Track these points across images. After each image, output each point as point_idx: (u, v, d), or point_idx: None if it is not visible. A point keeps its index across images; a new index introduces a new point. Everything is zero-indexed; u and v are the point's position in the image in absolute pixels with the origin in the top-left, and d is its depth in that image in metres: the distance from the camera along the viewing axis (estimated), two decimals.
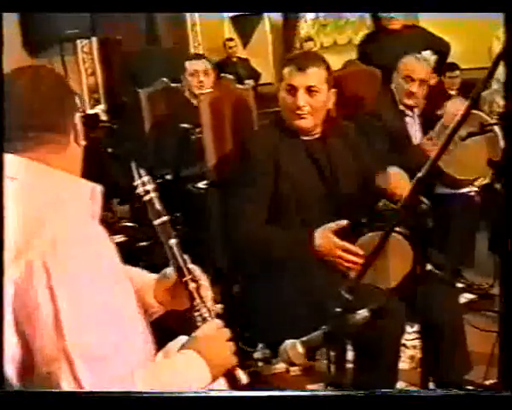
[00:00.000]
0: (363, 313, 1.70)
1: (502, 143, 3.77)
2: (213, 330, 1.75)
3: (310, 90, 2.76)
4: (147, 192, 1.79)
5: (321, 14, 9.66)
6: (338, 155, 2.88)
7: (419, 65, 3.97)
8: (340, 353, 1.82)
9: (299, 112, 2.76)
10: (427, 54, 5.16)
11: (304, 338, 1.68)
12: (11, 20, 5.88)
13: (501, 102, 4.86)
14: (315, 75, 2.77)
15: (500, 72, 1.72)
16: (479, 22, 6.14)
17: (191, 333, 1.76)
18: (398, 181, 2.79)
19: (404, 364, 3.35)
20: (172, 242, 1.82)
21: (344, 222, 2.64)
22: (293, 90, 2.76)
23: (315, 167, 2.83)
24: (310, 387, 3.19)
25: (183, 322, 1.87)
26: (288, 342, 1.70)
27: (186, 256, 1.85)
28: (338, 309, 1.68)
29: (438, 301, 2.77)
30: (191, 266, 1.86)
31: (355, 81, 4.39)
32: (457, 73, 6.28)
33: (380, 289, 2.59)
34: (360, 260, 2.53)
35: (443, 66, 5.68)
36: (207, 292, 1.87)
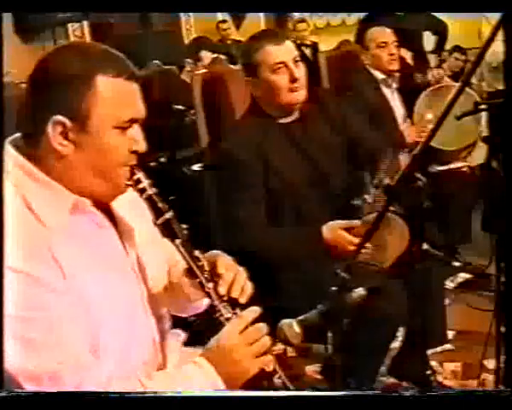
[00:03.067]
0: (359, 291, 1.69)
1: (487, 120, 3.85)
2: (234, 336, 1.55)
3: (295, 62, 2.70)
4: (143, 190, 1.57)
5: None
6: (318, 134, 2.82)
7: (384, 30, 4.10)
8: (338, 333, 1.80)
9: (295, 85, 2.68)
10: (427, 35, 5.18)
11: (300, 317, 1.67)
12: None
13: (489, 82, 4.89)
14: (291, 47, 2.73)
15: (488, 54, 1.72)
16: None
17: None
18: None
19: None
20: (178, 242, 1.59)
21: (357, 222, 2.61)
22: (281, 66, 2.66)
23: (298, 152, 2.75)
24: (307, 368, 3.19)
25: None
26: (285, 321, 1.69)
27: (197, 252, 1.63)
28: (334, 288, 1.67)
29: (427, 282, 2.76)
30: (218, 253, 1.71)
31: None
32: (463, 57, 6.30)
33: (376, 268, 2.57)
34: None
35: (443, 47, 5.70)
36: (237, 282, 1.65)
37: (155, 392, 1.49)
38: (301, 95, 2.72)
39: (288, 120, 2.77)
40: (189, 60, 4.61)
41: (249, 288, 1.68)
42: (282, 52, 2.68)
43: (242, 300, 1.64)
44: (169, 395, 1.45)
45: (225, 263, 1.67)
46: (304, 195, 2.72)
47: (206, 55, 4.59)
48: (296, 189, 2.72)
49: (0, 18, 1.55)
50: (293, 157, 2.75)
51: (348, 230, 2.60)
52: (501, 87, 4.61)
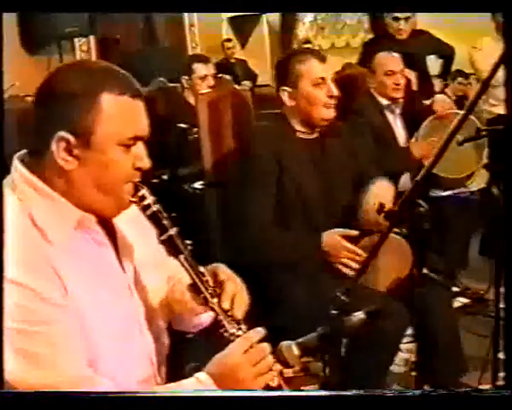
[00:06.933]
0: (359, 315, 1.70)
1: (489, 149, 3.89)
2: (238, 356, 1.54)
3: (333, 80, 2.85)
4: (147, 207, 1.59)
5: (319, 17, 9.69)
6: (334, 155, 2.91)
7: (393, 57, 4.12)
8: (336, 354, 1.81)
9: (330, 102, 2.81)
10: (432, 59, 5.18)
11: (299, 340, 1.68)
12: (9, 18, 5.87)
13: (489, 108, 4.91)
14: (333, 66, 2.83)
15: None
16: (459, 30, 6.23)
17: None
18: (383, 194, 2.77)
19: (398, 367, 3.35)
20: (182, 257, 1.60)
21: (355, 232, 2.68)
22: (322, 82, 2.80)
23: (315, 168, 2.85)
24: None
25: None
26: (284, 343, 1.69)
27: (202, 268, 1.64)
28: (334, 311, 1.68)
29: (433, 305, 2.78)
30: (219, 265, 1.72)
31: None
32: (466, 81, 6.34)
33: (376, 291, 2.60)
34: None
35: (449, 71, 5.71)
36: (237, 298, 1.67)
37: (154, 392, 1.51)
38: (331, 113, 2.85)
39: (309, 136, 2.89)
40: (185, 76, 4.61)
41: (246, 302, 1.70)
42: (325, 68, 2.83)
43: (239, 314, 1.65)
44: (168, 395, 1.46)
45: (226, 275, 1.69)
46: (313, 205, 2.82)
47: (198, 67, 4.58)
48: (307, 199, 2.81)
49: (0, 19, 1.54)
50: (308, 168, 2.85)
51: (347, 239, 2.70)
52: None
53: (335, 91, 2.81)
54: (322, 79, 2.80)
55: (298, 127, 2.88)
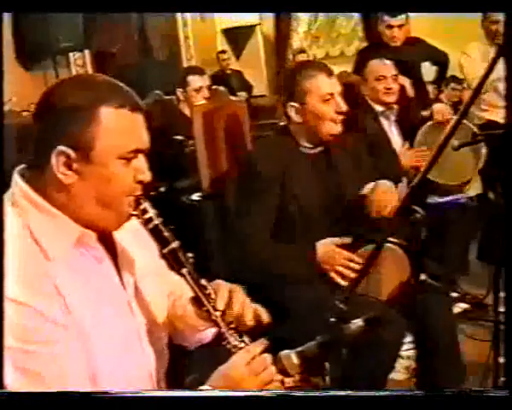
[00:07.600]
0: (357, 322, 1.70)
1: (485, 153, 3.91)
2: (241, 367, 1.55)
3: (340, 95, 2.81)
4: (149, 220, 1.59)
5: (313, 27, 9.72)
6: (340, 167, 2.90)
7: (385, 64, 4.13)
8: (335, 362, 1.81)
9: (339, 117, 2.79)
10: (426, 66, 5.20)
11: (299, 349, 1.68)
12: (5, 31, 5.88)
13: (481, 113, 4.92)
14: (337, 81, 2.83)
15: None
16: (452, 36, 6.27)
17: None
18: (385, 193, 2.78)
19: (398, 374, 3.35)
20: (185, 271, 1.61)
21: (348, 239, 2.68)
22: (330, 98, 2.77)
23: (319, 181, 2.84)
24: None
25: None
26: (283, 352, 1.69)
27: (204, 281, 1.65)
28: (332, 319, 1.68)
29: (432, 311, 2.78)
30: (219, 282, 1.71)
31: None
32: (460, 87, 6.35)
33: (375, 299, 2.60)
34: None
35: (444, 77, 5.73)
36: (242, 309, 1.68)
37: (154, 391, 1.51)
38: (338, 128, 2.82)
39: (312, 151, 2.86)
40: (180, 89, 4.62)
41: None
42: (333, 84, 2.80)
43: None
44: (167, 395, 1.46)
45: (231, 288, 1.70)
46: (314, 219, 2.80)
47: (193, 79, 4.58)
48: (308, 213, 2.79)
49: (0, 19, 1.55)
50: (312, 182, 2.83)
51: (342, 248, 2.68)
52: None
53: (344, 107, 2.78)
54: (331, 94, 2.77)
55: (303, 142, 2.85)
